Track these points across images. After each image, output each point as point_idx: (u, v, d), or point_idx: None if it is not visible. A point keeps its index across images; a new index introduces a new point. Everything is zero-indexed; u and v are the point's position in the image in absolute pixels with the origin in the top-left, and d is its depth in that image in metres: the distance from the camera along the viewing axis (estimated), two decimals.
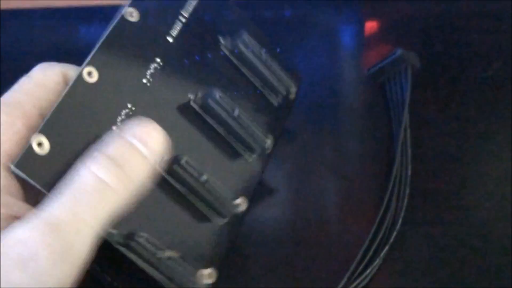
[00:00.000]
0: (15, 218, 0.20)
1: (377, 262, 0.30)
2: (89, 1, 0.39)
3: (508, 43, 0.37)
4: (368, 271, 0.30)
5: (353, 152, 0.35)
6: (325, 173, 0.34)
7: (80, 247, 0.19)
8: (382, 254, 0.30)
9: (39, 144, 0.21)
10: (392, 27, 0.39)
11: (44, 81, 0.23)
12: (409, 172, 0.32)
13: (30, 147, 0.21)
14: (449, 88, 0.36)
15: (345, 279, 0.29)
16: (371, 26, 0.39)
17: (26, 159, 0.20)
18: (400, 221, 0.31)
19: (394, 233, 0.31)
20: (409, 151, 0.33)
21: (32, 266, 0.18)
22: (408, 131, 0.34)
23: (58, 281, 0.19)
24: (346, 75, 0.38)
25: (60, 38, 0.39)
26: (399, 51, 0.34)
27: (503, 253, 0.31)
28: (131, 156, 0.21)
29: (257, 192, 0.33)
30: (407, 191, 0.32)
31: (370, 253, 0.30)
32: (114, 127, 0.23)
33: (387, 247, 0.30)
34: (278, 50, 0.37)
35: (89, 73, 0.22)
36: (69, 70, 0.24)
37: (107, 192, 0.20)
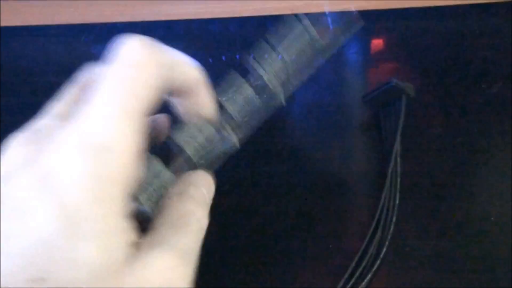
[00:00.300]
0: (131, 244, 0.21)
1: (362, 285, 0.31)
2: (88, 18, 0.40)
3: (510, 60, 0.37)
4: None
5: (345, 177, 0.36)
6: (319, 191, 0.35)
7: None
8: (365, 281, 0.31)
9: None
10: (395, 45, 0.40)
11: (150, 81, 0.20)
12: (397, 201, 0.33)
13: None
14: (451, 104, 0.37)
15: None
16: (376, 43, 0.40)
17: None
18: (384, 250, 0.32)
19: (378, 262, 0.31)
20: (398, 180, 0.34)
21: None
22: (399, 160, 0.34)
23: None
24: (344, 99, 0.39)
25: (60, 53, 0.40)
26: (393, 82, 0.35)
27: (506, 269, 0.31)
28: (203, 199, 0.24)
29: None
30: (394, 219, 0.33)
31: (354, 278, 0.31)
32: None
33: (369, 275, 0.31)
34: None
35: None
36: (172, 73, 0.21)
37: (202, 226, 0.23)
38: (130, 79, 0.19)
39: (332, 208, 0.34)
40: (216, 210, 0.25)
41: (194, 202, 0.24)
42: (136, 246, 0.21)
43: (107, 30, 0.40)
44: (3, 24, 0.39)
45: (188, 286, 0.21)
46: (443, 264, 0.32)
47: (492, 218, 0.33)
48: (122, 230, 0.20)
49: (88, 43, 0.40)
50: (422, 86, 0.38)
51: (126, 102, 0.19)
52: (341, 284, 0.31)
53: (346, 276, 0.31)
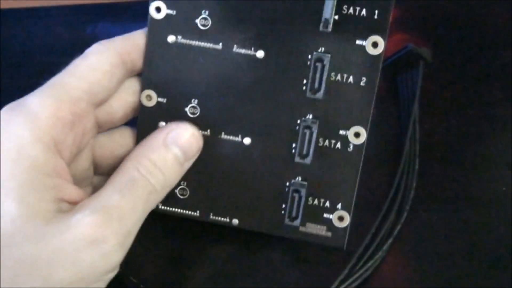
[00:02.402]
0: (63, 200, 0.21)
1: (380, 254, 0.30)
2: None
3: None
4: (370, 263, 0.30)
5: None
6: None
7: (134, 234, 0.22)
8: (385, 247, 0.31)
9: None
10: (409, 14, 0.39)
11: (99, 64, 0.23)
12: (417, 166, 0.33)
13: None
14: (464, 74, 0.36)
15: (346, 270, 0.30)
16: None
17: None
18: (405, 214, 0.31)
19: (398, 227, 0.31)
20: (417, 145, 0.33)
21: (102, 247, 0.20)
22: (417, 125, 0.34)
23: (118, 263, 0.22)
24: None
25: (64, 36, 0.40)
26: (410, 46, 0.34)
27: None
28: (170, 163, 0.24)
29: None
30: (414, 184, 0.32)
31: (373, 246, 0.31)
32: None
33: (390, 240, 0.31)
34: None
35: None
36: (126, 46, 0.24)
37: (153, 190, 0.23)
38: (74, 66, 0.24)
39: None
40: None
41: (147, 165, 0.23)
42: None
43: (110, 9, 0.40)
44: (3, 6, 0.39)
45: (116, 247, 0.21)
46: (460, 230, 0.31)
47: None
48: (47, 186, 0.20)
49: (88, 23, 0.40)
50: (439, 52, 0.37)
51: (59, 79, 0.24)
52: (360, 250, 0.30)
53: (365, 242, 0.30)
